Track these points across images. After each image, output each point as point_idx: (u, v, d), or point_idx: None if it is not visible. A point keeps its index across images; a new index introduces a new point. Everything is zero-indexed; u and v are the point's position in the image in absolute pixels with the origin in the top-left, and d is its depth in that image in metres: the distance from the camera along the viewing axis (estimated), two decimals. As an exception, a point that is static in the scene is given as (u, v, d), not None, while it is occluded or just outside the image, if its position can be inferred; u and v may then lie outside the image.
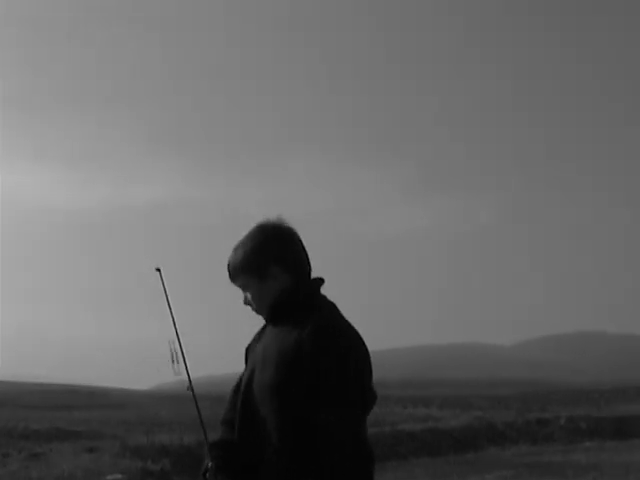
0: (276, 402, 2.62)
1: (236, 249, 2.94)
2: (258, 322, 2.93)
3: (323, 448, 2.51)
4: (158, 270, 2.99)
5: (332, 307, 2.75)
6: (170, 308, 2.96)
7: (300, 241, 2.85)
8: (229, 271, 2.94)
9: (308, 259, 2.85)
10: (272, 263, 2.82)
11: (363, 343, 2.68)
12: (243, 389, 2.76)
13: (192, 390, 2.97)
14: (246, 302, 2.92)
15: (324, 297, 2.79)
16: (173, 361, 2.97)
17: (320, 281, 2.82)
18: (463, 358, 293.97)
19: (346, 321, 2.71)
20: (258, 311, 2.88)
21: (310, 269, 2.84)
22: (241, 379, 2.84)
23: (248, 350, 2.92)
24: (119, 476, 17.05)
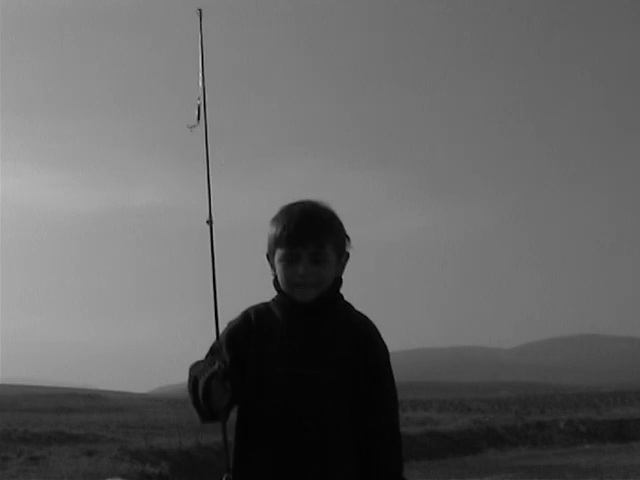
0: (344, 399, 2.50)
1: (318, 212, 2.60)
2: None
3: (389, 437, 2.54)
4: (199, 11, 2.67)
5: None
6: (202, 58, 2.65)
7: None
8: (316, 228, 2.56)
9: None
10: (347, 247, 2.66)
11: None
12: (287, 380, 2.48)
13: (211, 224, 2.57)
14: (306, 272, 2.53)
15: None
16: (199, 118, 2.62)
17: None
18: (463, 361, 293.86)
19: None
20: (309, 292, 2.54)
21: None
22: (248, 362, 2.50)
23: (256, 334, 2.55)
24: (118, 479, 17.03)
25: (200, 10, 2.71)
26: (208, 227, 2.60)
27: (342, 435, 2.50)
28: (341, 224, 2.63)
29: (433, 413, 38.43)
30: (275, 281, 2.63)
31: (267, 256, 2.66)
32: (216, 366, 2.43)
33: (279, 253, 2.58)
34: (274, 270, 2.63)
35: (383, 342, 2.60)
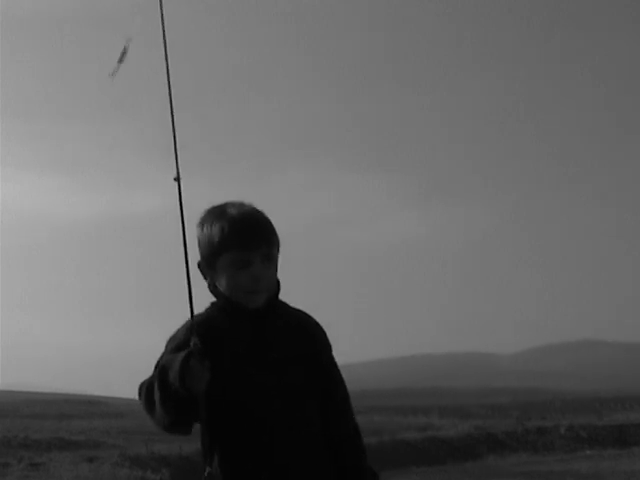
0: (313, 399, 2.54)
1: (257, 213, 2.52)
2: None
3: (349, 416, 2.62)
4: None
5: None
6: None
7: None
8: (263, 229, 2.49)
9: None
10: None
11: None
12: (249, 381, 2.45)
13: (179, 180, 2.44)
14: (260, 276, 2.45)
15: None
16: (120, 60, 2.47)
17: None
18: (463, 367, 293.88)
19: None
20: (259, 293, 2.47)
21: None
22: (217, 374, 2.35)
23: (211, 343, 2.40)
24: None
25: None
26: (176, 185, 2.46)
27: (312, 432, 2.51)
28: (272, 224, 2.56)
29: (433, 419, 38.35)
30: (214, 287, 2.54)
31: (199, 264, 2.53)
32: (192, 344, 2.30)
33: (227, 258, 2.47)
34: (210, 278, 2.53)
35: (327, 337, 2.63)
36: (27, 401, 55.14)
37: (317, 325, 2.64)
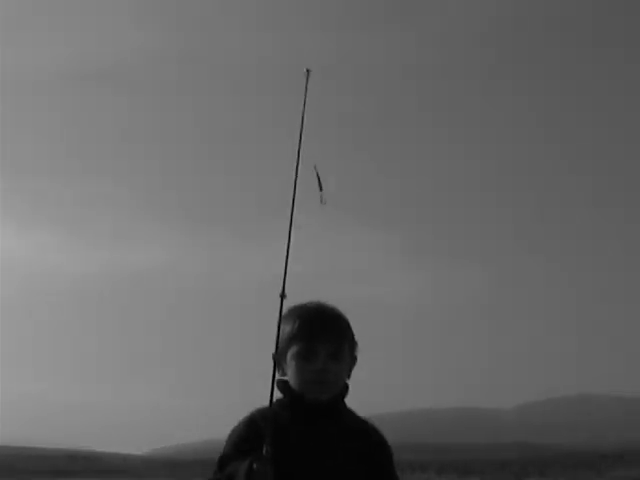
0: None
1: (330, 310, 2.61)
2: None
3: None
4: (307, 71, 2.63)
5: None
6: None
7: None
8: (331, 325, 2.56)
9: None
10: (355, 351, 2.66)
11: None
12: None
13: (282, 298, 2.50)
14: (324, 369, 2.51)
15: None
16: (321, 188, 2.60)
17: None
18: (462, 422, 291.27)
19: None
20: (326, 389, 2.52)
21: None
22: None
23: (283, 450, 2.42)
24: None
25: (308, 71, 2.68)
26: (279, 300, 2.51)
27: None
28: (351, 327, 2.61)
29: (431, 475, 38.17)
30: (280, 383, 2.58)
31: (273, 357, 2.56)
32: (264, 451, 2.34)
33: (294, 349, 2.54)
34: (281, 370, 2.58)
35: (389, 445, 2.68)
36: (23, 457, 54.63)
37: (378, 432, 2.69)
